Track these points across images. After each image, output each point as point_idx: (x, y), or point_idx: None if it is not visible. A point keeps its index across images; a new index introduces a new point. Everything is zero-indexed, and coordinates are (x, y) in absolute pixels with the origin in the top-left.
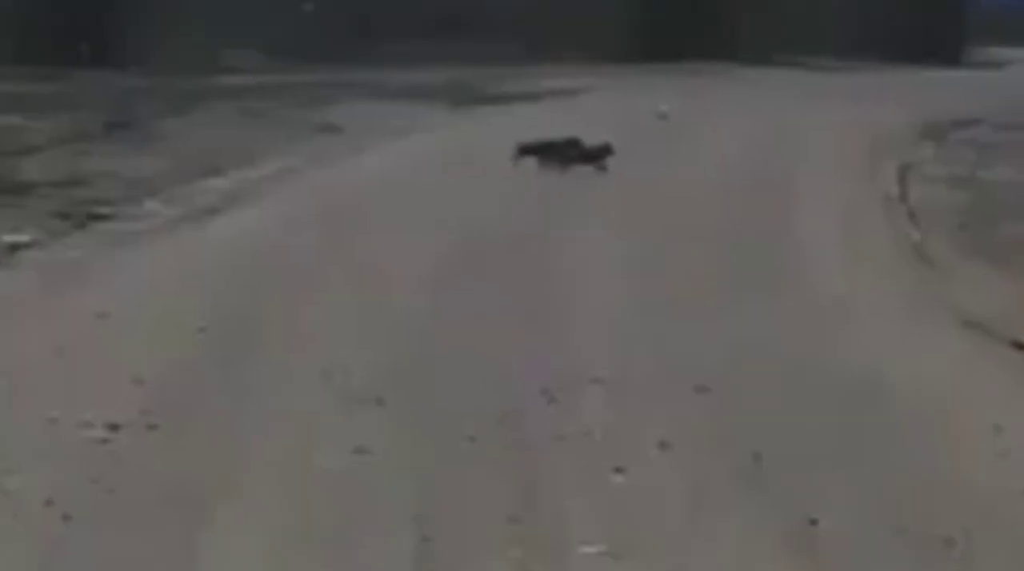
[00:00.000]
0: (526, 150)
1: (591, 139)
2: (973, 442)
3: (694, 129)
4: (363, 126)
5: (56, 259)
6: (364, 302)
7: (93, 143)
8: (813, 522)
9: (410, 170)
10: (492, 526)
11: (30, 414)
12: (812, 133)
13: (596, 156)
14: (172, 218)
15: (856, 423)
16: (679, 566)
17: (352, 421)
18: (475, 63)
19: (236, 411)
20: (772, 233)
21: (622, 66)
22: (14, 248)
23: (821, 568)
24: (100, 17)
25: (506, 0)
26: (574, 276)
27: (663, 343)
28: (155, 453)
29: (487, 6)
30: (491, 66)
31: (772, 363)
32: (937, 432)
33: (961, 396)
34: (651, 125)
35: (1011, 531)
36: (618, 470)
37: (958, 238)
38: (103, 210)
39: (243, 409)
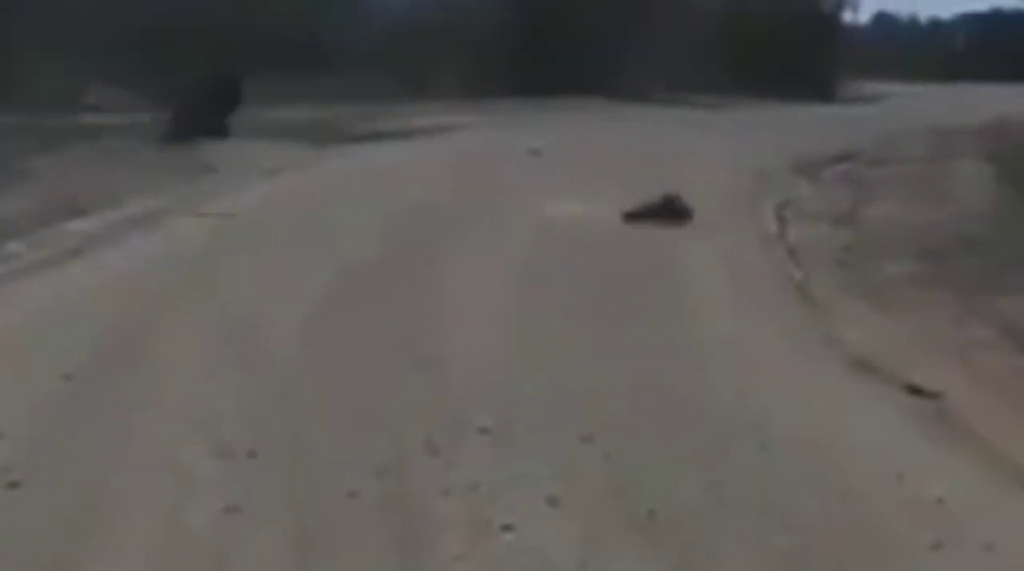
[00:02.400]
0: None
1: (462, 176)
2: (876, 492)
3: (567, 166)
4: (233, 165)
5: None
6: (236, 347)
7: None
8: None
9: (282, 210)
10: None
11: None
12: (688, 170)
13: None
14: (34, 261)
15: (753, 473)
16: None
17: (224, 476)
18: (345, 100)
19: (104, 465)
20: (651, 273)
21: (497, 102)
22: None
23: None
24: None
25: (376, 35)
26: (451, 318)
27: (546, 388)
28: (17, 513)
29: (357, 41)
30: (361, 103)
31: (659, 409)
32: (837, 481)
33: (859, 442)
34: (524, 161)
35: None
36: (507, 527)
37: (838, 276)
38: None
39: (111, 463)
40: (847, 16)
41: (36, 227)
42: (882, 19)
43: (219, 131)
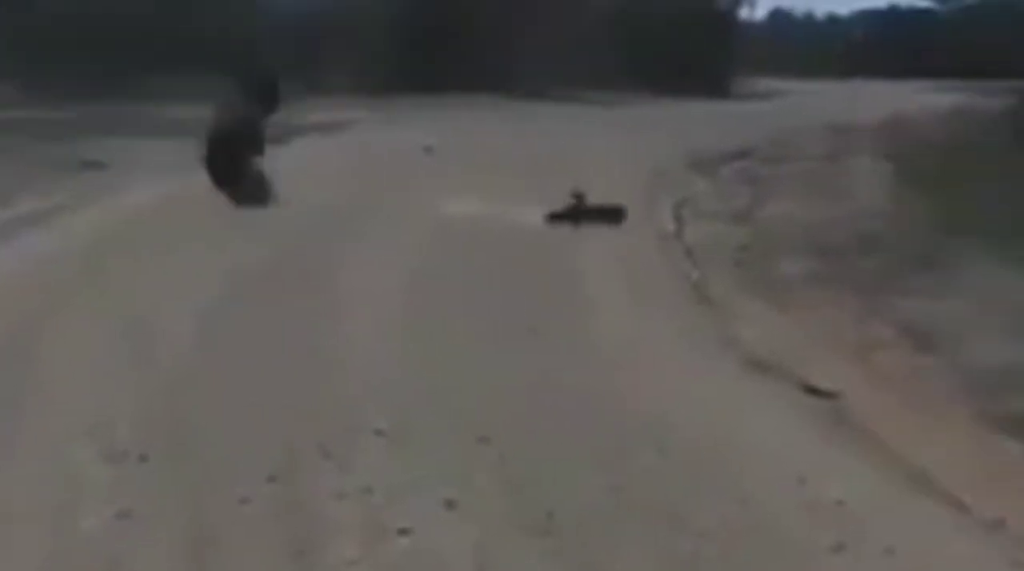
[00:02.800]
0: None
1: (356, 173)
2: (776, 494)
3: (462, 163)
4: (125, 163)
5: None
6: (129, 348)
7: None
8: None
9: (175, 208)
10: None
11: None
12: (584, 168)
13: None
14: None
15: (652, 475)
16: None
17: (115, 480)
18: None
19: None
20: (548, 271)
21: (392, 99)
22: None
23: None
24: None
25: (269, 31)
26: (346, 317)
27: (442, 388)
28: None
29: (251, 38)
30: None
31: (556, 409)
32: (737, 484)
33: (757, 444)
34: (418, 159)
35: None
36: (403, 532)
37: (736, 275)
38: None
39: (3, 470)
40: (743, 13)
41: None
42: (778, 15)
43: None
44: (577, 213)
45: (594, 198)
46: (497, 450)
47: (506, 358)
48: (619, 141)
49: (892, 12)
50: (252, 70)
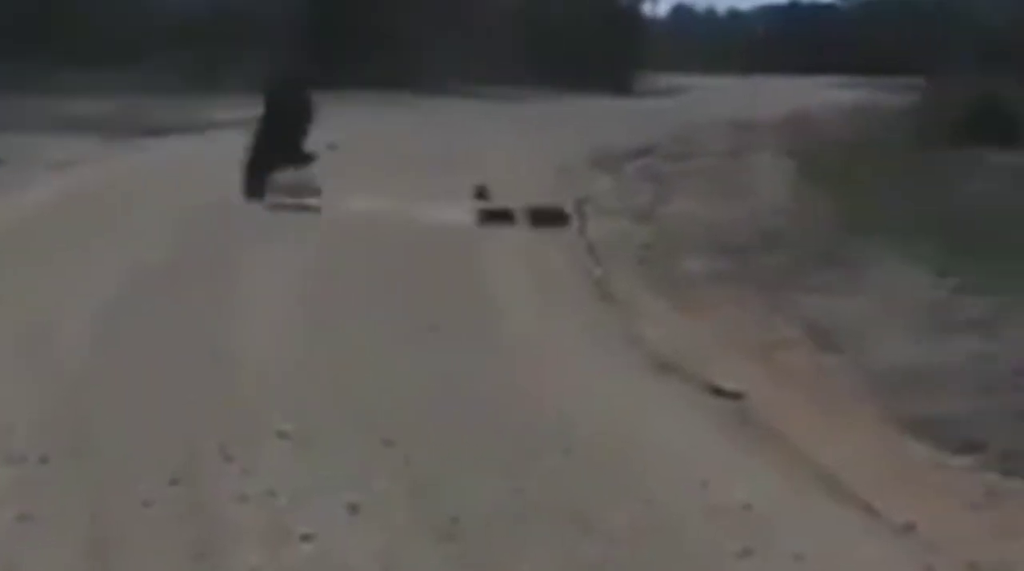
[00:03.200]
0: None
1: None
2: (682, 498)
3: (367, 160)
4: (21, 159)
5: None
6: (27, 351)
7: None
8: None
9: (72, 207)
10: None
11: None
12: (488, 165)
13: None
14: None
15: (557, 478)
16: None
17: (15, 483)
18: (138, 93)
19: None
20: (451, 270)
21: None
22: None
23: None
24: None
25: (171, 26)
26: (247, 319)
27: (345, 390)
28: None
29: (151, 33)
30: (155, 96)
31: (460, 411)
32: (643, 487)
33: (663, 446)
34: (322, 156)
35: None
36: (306, 537)
37: (639, 273)
38: None
39: None
40: (645, 9)
41: None
42: (680, 11)
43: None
44: (509, 213)
45: (498, 195)
46: (401, 452)
47: (410, 358)
48: (523, 138)
49: (793, 8)
50: (283, 85)
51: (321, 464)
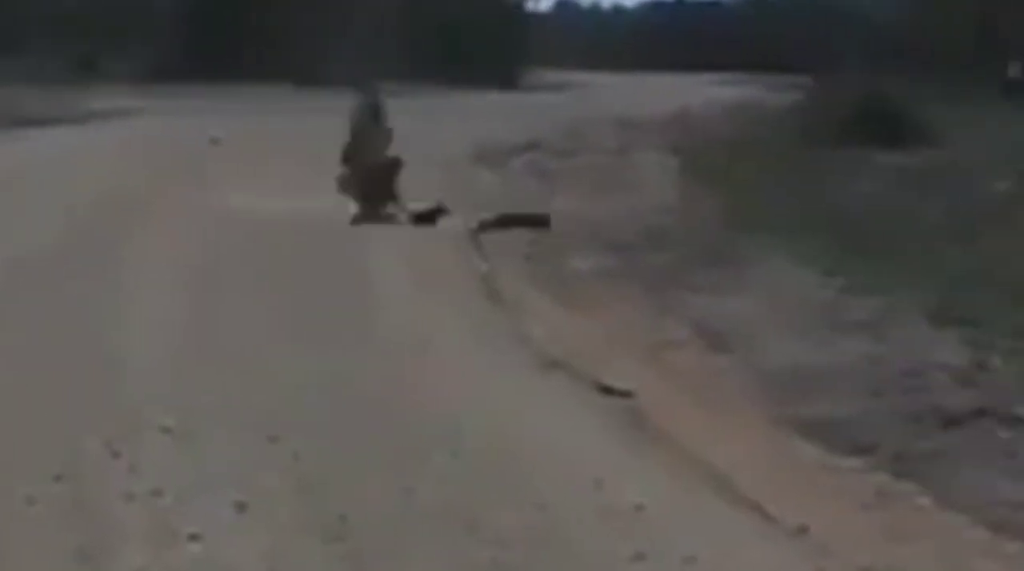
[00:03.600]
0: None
1: (139, 164)
2: (573, 500)
3: (249, 155)
4: None
5: None
6: None
7: None
8: None
9: None
10: None
11: None
12: None
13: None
14: None
15: (446, 479)
16: None
17: None
18: (15, 82)
19: None
20: (336, 266)
21: (178, 87)
22: None
23: None
24: None
25: (49, 15)
26: (129, 313)
27: (231, 385)
28: None
29: (28, 21)
30: (33, 86)
31: (348, 408)
32: (533, 488)
33: (554, 446)
34: (204, 150)
35: None
36: (193, 537)
37: (526, 271)
38: None
39: None
40: (529, 4)
41: None
42: (565, 6)
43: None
44: (507, 220)
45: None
46: (288, 449)
47: (296, 355)
48: (406, 132)
49: (679, 4)
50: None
51: (207, 461)
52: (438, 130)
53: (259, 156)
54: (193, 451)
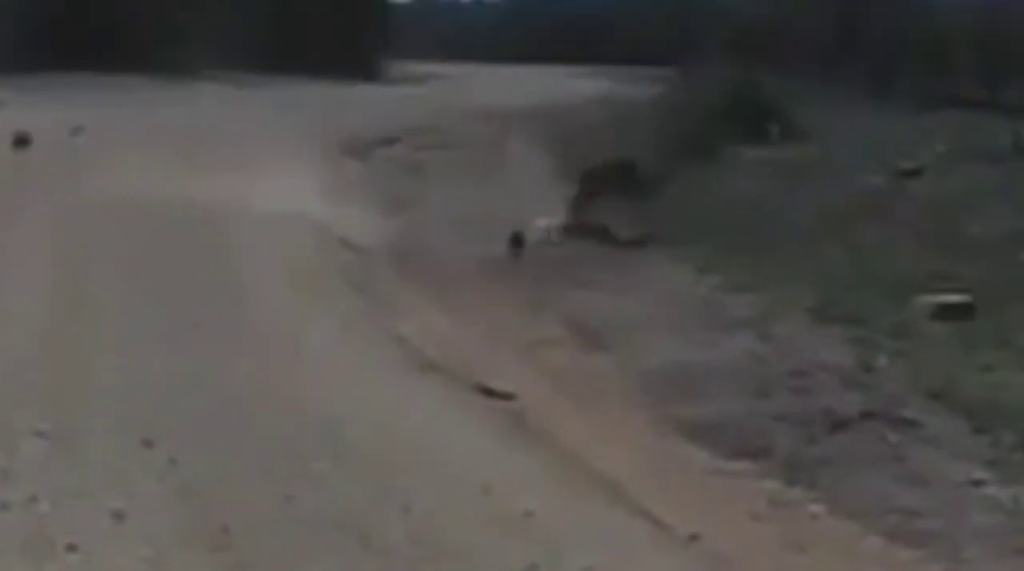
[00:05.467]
0: None
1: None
2: (462, 507)
3: (114, 144)
4: None
5: None
6: None
7: None
8: None
9: None
10: None
11: None
12: (233, 152)
13: None
14: None
15: (328, 486)
16: None
17: None
18: None
19: None
20: (204, 262)
21: (29, 76)
22: None
23: None
24: None
25: None
26: None
27: (103, 386)
28: None
29: None
30: None
31: (223, 411)
32: (421, 495)
33: (439, 451)
34: (66, 141)
35: None
36: (71, 547)
37: (397, 267)
38: None
39: None
40: None
41: None
42: None
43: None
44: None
45: (239, 186)
46: (164, 454)
47: (168, 355)
48: (269, 124)
49: None
50: None
51: (82, 466)
52: (302, 121)
53: (124, 145)
54: (67, 455)
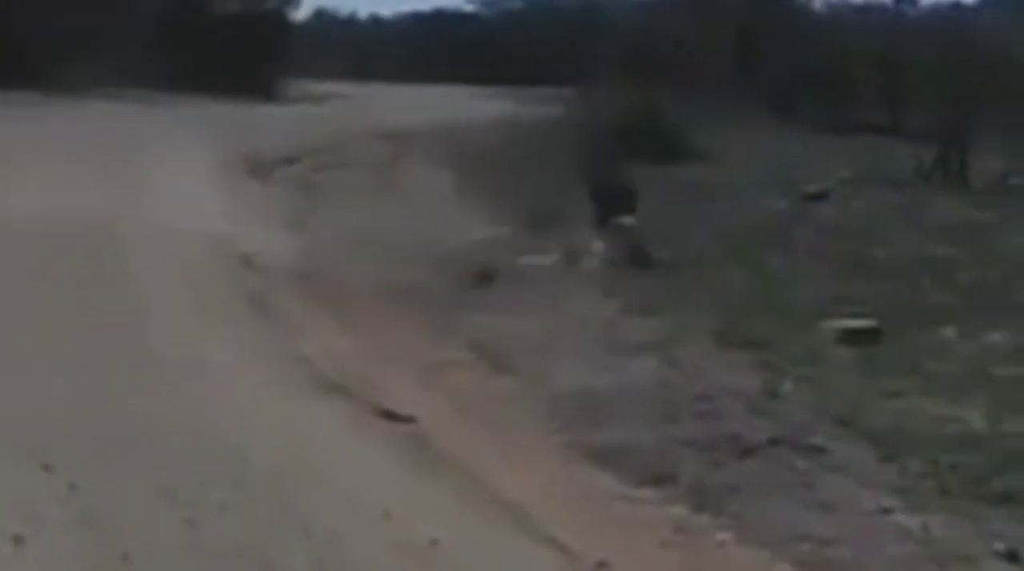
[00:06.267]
0: None
1: None
2: (365, 534)
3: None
4: None
5: None
6: None
7: None
8: None
9: None
10: None
11: None
12: (129, 170)
13: None
14: None
15: (230, 512)
16: None
17: None
18: None
19: None
20: (104, 280)
21: None
22: None
23: None
24: None
25: None
26: None
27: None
28: None
29: None
30: None
31: (123, 434)
32: (323, 522)
33: (339, 474)
34: None
35: None
36: None
37: (298, 287)
38: None
39: None
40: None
41: None
42: (322, 15)
43: None
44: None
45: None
46: (64, 479)
47: (65, 376)
48: (162, 142)
49: (437, 16)
50: None
51: None
52: (199, 140)
53: (12, 163)
54: None
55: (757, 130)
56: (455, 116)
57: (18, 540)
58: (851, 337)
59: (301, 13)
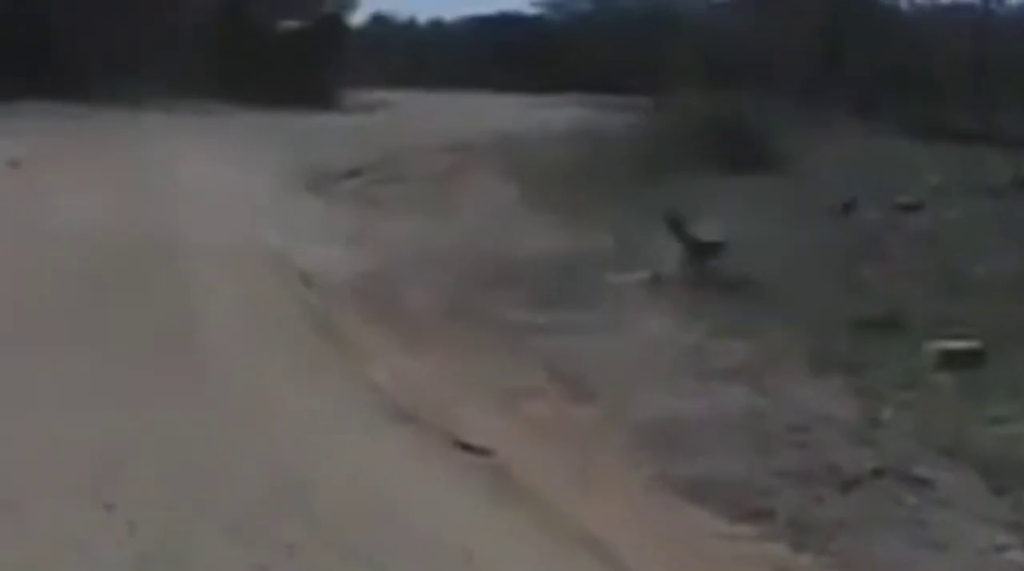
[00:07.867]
0: None
1: None
2: None
3: (54, 178)
4: None
5: None
6: None
7: None
8: None
9: None
10: None
11: None
12: (180, 183)
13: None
14: None
15: (301, 553)
16: None
17: None
18: None
19: None
20: (157, 305)
21: None
22: None
23: None
24: None
25: None
26: None
27: (55, 442)
28: None
29: None
30: None
31: (187, 470)
32: (399, 562)
33: (415, 511)
34: (3, 172)
35: None
36: None
37: (361, 307)
38: None
39: None
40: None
41: None
42: (379, 21)
43: None
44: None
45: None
46: (124, 518)
47: (123, 410)
48: (220, 156)
49: (502, 19)
50: None
51: (36, 533)
52: (258, 153)
53: (64, 179)
54: (20, 520)
55: (842, 135)
56: (519, 126)
57: None
58: (953, 359)
59: (357, 18)
